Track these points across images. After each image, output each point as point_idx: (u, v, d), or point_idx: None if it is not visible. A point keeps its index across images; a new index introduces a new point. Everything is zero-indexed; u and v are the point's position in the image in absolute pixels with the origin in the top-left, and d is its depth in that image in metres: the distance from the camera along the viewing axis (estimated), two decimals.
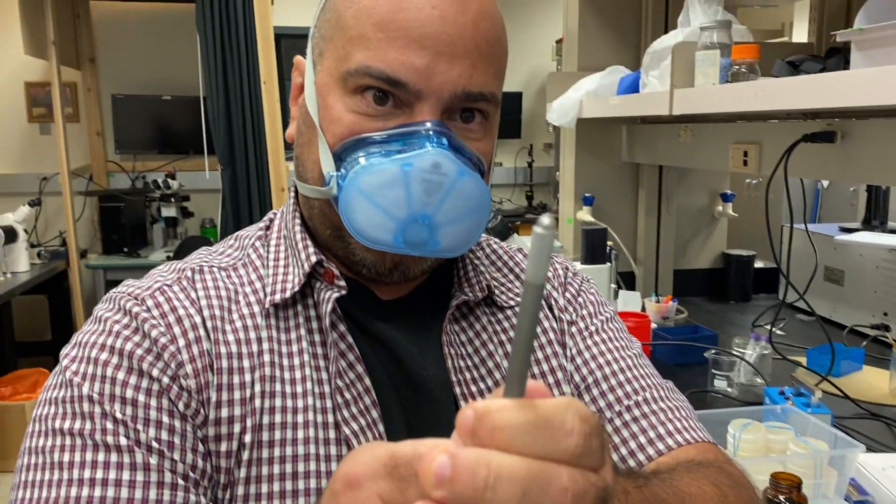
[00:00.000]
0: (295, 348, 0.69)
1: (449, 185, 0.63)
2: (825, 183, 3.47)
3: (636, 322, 1.96)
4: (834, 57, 1.34)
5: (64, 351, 0.65)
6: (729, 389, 1.74)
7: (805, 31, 2.40)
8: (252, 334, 0.68)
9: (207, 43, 3.83)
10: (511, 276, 0.82)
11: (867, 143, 1.48)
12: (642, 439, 0.73)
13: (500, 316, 0.78)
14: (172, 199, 4.35)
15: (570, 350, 0.78)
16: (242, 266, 0.73)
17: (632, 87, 2.11)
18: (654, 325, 2.10)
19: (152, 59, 4.64)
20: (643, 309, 2.27)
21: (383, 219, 0.64)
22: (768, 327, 1.94)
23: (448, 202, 0.64)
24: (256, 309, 0.70)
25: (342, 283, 0.70)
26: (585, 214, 2.58)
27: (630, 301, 2.28)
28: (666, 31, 2.26)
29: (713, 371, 1.77)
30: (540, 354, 0.77)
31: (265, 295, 0.71)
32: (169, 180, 4.37)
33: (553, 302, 0.81)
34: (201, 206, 4.64)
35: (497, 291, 0.79)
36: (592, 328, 0.80)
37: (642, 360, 0.80)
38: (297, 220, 0.74)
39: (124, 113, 4.56)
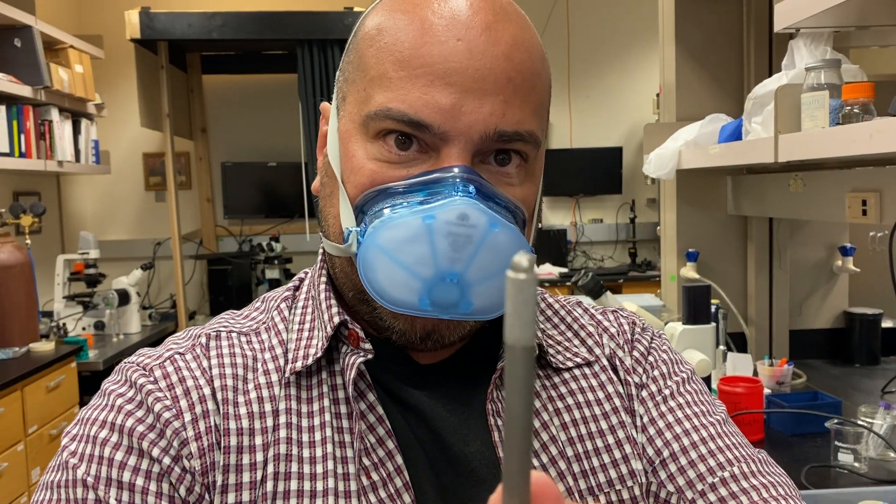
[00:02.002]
0: (316, 422, 0.61)
1: (479, 238, 0.56)
2: None
3: (747, 388, 1.79)
4: None
5: (67, 428, 0.61)
6: (856, 465, 1.55)
7: None
8: (268, 407, 0.61)
9: (308, 111, 3.95)
10: (569, 334, 0.73)
11: None
12: None
13: (557, 379, 0.69)
14: (276, 262, 4.46)
15: (641, 419, 0.68)
16: (265, 330, 0.67)
17: (734, 134, 1.99)
18: (767, 391, 1.93)
19: (259, 128, 4.84)
20: (755, 373, 2.09)
21: (407, 278, 0.56)
22: None
23: (479, 257, 0.56)
24: (275, 378, 0.63)
25: (368, 345, 0.63)
26: (689, 271, 2.44)
27: (740, 364, 2.10)
28: (771, 77, 2.14)
29: (837, 443, 1.58)
30: (604, 424, 0.67)
31: (286, 362, 0.64)
32: (273, 243, 4.50)
33: (619, 362, 0.71)
34: (303, 267, 4.69)
35: (552, 351, 0.70)
36: (666, 392, 0.69)
37: (728, 428, 0.68)
38: (324, 279, 0.68)
39: (233, 179, 4.75)
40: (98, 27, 4.59)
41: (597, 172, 5.07)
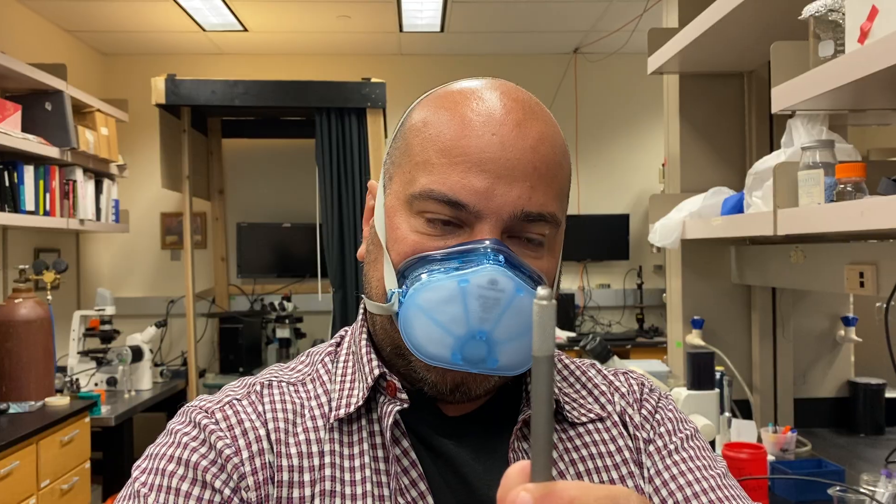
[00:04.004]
0: (357, 463, 0.69)
1: (506, 301, 0.64)
2: None
3: (750, 454, 1.83)
4: None
5: (136, 462, 0.69)
6: None
7: None
8: (315, 448, 0.69)
9: (325, 175, 4.07)
10: (583, 392, 0.80)
11: None
12: None
13: (572, 433, 0.75)
14: (287, 321, 4.53)
15: (648, 470, 0.74)
16: (311, 381, 0.75)
17: (736, 207, 2.07)
18: (771, 458, 1.96)
19: (274, 190, 4.97)
20: (759, 440, 2.12)
21: (442, 335, 0.64)
22: None
23: (506, 319, 0.64)
24: (320, 423, 0.71)
25: (404, 395, 0.70)
26: (695, 338, 2.49)
27: (744, 431, 2.13)
28: (771, 152, 2.23)
29: None
30: (615, 474, 0.74)
31: (330, 409, 0.72)
32: (285, 302, 4.57)
33: (628, 419, 0.78)
34: (313, 327, 4.80)
35: (567, 407, 0.77)
36: (672, 447, 0.75)
37: (728, 481, 0.74)
38: (365, 336, 0.76)
39: (247, 239, 4.86)
40: (123, 92, 4.77)
41: (604, 239, 5.16)
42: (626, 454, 0.75)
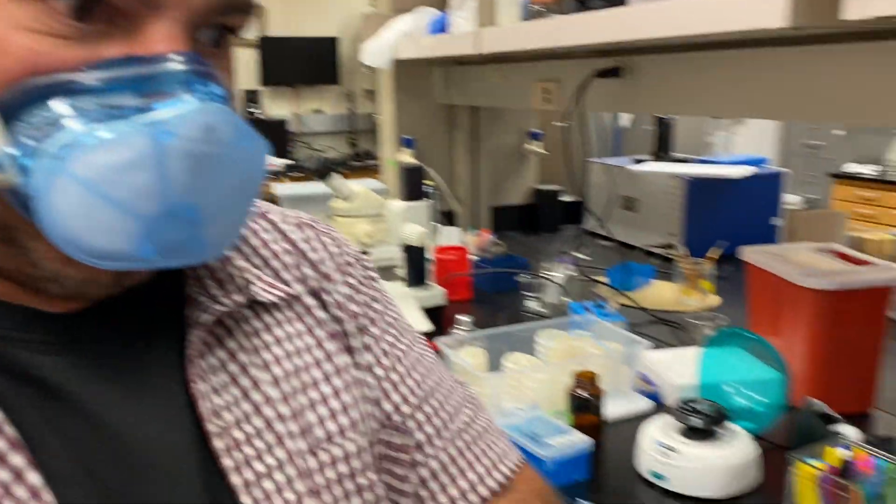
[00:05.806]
0: None
1: (227, 157, 0.41)
2: (626, 121, 3.77)
3: (456, 255, 2.06)
4: None
5: None
6: (540, 309, 1.89)
7: None
8: None
9: None
10: (256, 261, 0.57)
11: (649, 77, 1.64)
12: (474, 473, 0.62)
13: (258, 324, 0.54)
14: None
15: (372, 356, 0.61)
16: None
17: (441, 27, 2.17)
18: (473, 257, 2.22)
19: None
20: (463, 243, 2.38)
21: (120, 219, 0.39)
22: (574, 253, 2.12)
23: (223, 182, 0.42)
24: None
25: None
26: (406, 156, 2.65)
27: (451, 236, 2.38)
28: None
29: (525, 293, 1.91)
30: (317, 373, 0.55)
31: None
32: None
33: (325, 296, 0.59)
34: None
35: (256, 288, 0.55)
36: (400, 346, 0.63)
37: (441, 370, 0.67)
38: None
39: None
40: None
41: (313, 62, 5.10)
42: (331, 345, 0.57)
